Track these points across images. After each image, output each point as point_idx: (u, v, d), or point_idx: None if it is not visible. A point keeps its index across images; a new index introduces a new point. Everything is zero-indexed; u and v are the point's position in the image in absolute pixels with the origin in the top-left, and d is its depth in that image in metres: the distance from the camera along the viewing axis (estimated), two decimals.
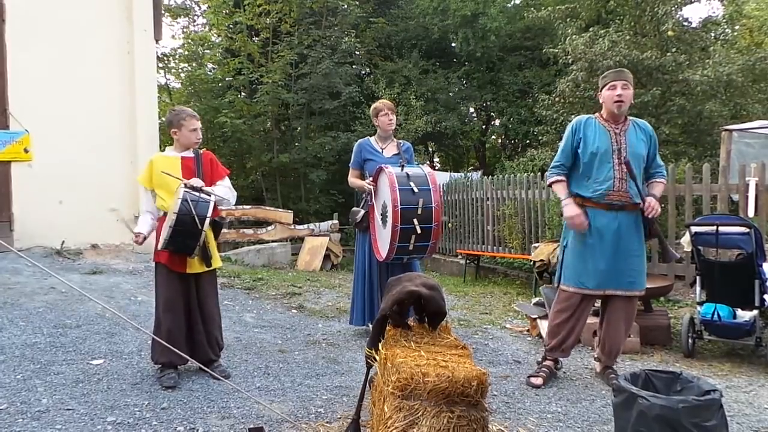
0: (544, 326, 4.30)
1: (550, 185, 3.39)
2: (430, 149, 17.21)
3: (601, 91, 3.26)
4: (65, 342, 3.83)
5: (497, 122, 16.53)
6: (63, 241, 6.52)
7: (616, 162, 3.15)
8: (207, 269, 3.33)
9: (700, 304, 3.89)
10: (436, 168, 17.07)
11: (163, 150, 3.58)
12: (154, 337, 3.13)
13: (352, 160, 4.38)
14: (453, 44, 15.36)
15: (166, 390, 3.09)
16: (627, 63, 9.28)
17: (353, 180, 4.36)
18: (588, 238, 3.17)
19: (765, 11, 15.48)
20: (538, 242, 6.50)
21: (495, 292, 6.54)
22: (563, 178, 3.27)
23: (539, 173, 7.24)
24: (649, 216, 3.14)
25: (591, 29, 10.33)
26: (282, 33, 11.86)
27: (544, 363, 3.43)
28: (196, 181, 3.18)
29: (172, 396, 3.02)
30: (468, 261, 7.73)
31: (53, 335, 3.95)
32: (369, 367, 2.58)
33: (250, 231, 8.83)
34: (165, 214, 3.22)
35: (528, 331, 4.58)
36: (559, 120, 10.90)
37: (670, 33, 10.25)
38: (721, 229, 3.77)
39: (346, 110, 12.53)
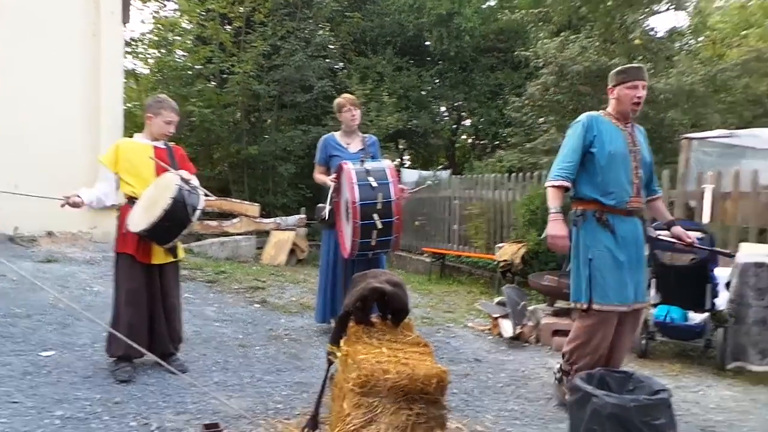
0: (505, 325, 4.37)
1: (549, 187, 2.90)
2: (401, 147, 17.24)
3: (614, 86, 2.90)
4: (14, 332, 3.69)
5: (468, 122, 16.68)
6: (16, 228, 6.27)
7: (633, 165, 2.86)
8: (171, 260, 3.27)
9: (655, 306, 4.00)
10: (406, 166, 17.11)
11: (130, 137, 3.50)
12: (112, 330, 3.04)
13: (317, 157, 4.35)
14: (427, 42, 15.39)
15: (119, 383, 3.01)
16: (596, 69, 9.48)
17: (318, 176, 4.34)
18: (617, 250, 2.80)
19: (728, 24, 16.05)
20: (502, 242, 6.59)
21: (459, 290, 6.60)
22: (568, 183, 2.84)
23: (507, 174, 7.34)
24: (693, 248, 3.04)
25: (562, 34, 10.51)
26: (255, 23, 11.66)
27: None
28: (185, 173, 3.18)
29: (125, 390, 2.94)
30: (433, 259, 7.78)
31: (2, 325, 3.80)
32: (330, 363, 2.56)
33: (214, 223, 8.67)
34: (130, 201, 3.14)
35: (489, 330, 4.63)
36: (527, 122, 11.08)
37: (637, 41, 10.50)
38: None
39: (317, 104, 12.41)
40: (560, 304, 4.57)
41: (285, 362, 3.58)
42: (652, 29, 11.53)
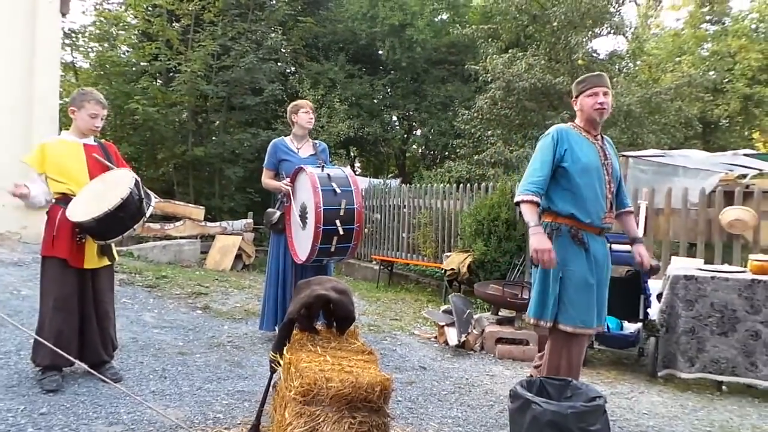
0: (451, 334, 4.42)
1: (518, 203, 2.78)
2: (352, 154, 17.24)
3: (576, 97, 2.85)
4: None
5: (418, 132, 16.89)
6: None
7: (606, 179, 2.77)
8: (106, 264, 3.12)
9: None
10: (356, 173, 17.13)
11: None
12: (37, 337, 2.86)
13: (266, 161, 4.27)
14: (380, 52, 15.52)
15: (47, 394, 2.84)
16: (541, 86, 9.85)
17: (268, 181, 4.25)
18: (590, 271, 2.70)
19: (663, 50, 17.04)
20: (450, 251, 6.69)
21: (407, 298, 6.63)
22: (539, 198, 2.72)
23: (455, 185, 7.46)
24: (648, 274, 2.98)
25: (510, 51, 10.86)
26: (204, 22, 11.40)
27: None
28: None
29: (53, 400, 2.77)
30: (382, 267, 7.79)
31: None
32: (273, 371, 2.51)
33: (156, 226, 8.36)
34: (61, 201, 2.98)
35: (435, 338, 4.67)
36: (476, 135, 11.34)
37: (580, 62, 10.99)
38: (614, 246, 4.05)
39: (268, 107, 12.24)
40: (504, 312, 4.67)
41: (227, 370, 3.48)
42: (594, 51, 12.12)
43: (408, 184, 9.13)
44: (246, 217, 9.42)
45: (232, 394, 3.07)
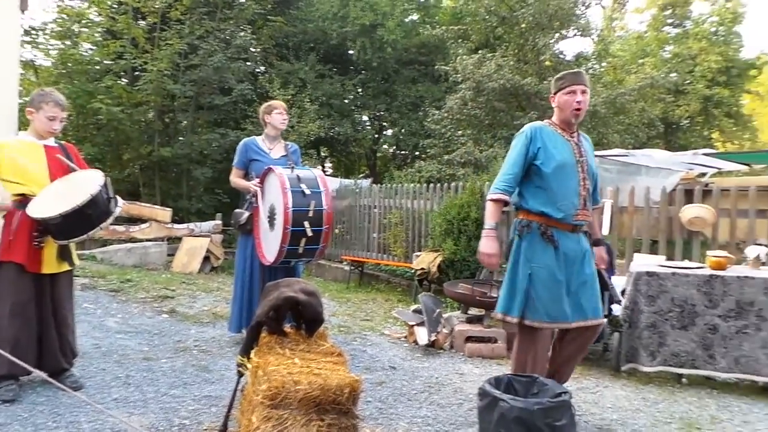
0: (420, 333, 4.44)
1: (488, 200, 2.84)
2: (323, 154, 17.17)
3: (555, 94, 2.84)
4: None
5: (389, 132, 16.93)
6: None
7: (581, 176, 2.78)
8: (65, 269, 3.03)
9: None
10: (327, 173, 17.07)
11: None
12: None
13: (236, 159, 4.22)
14: (351, 51, 15.49)
15: (3, 404, 2.74)
16: (510, 86, 9.98)
17: (237, 180, 4.20)
18: (558, 268, 2.73)
19: (627, 52, 17.48)
20: (420, 251, 6.72)
21: (377, 298, 6.64)
22: (507, 197, 2.77)
23: (426, 184, 7.50)
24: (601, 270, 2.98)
25: (480, 52, 10.98)
26: (171, 20, 11.18)
27: None
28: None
29: (10, 410, 2.68)
30: (352, 267, 7.78)
31: None
32: (240, 375, 2.48)
33: (121, 228, 8.17)
34: (20, 204, 2.88)
35: (406, 337, 4.69)
36: (446, 135, 11.42)
37: (547, 63, 11.19)
38: None
39: (237, 107, 12.08)
40: (474, 311, 4.71)
41: (193, 375, 3.42)
42: (561, 53, 12.34)
43: (379, 184, 9.13)
44: (214, 219, 9.28)
45: (198, 399, 3.01)
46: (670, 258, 4.68)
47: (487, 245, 2.73)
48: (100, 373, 3.34)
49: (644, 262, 4.24)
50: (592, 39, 13.61)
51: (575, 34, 11.71)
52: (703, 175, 11.22)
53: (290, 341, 2.50)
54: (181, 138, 11.81)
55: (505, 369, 3.94)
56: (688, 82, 17.18)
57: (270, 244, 3.72)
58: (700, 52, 17.54)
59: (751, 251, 3.74)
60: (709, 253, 3.76)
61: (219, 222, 9.05)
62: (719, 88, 17.36)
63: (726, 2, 19.66)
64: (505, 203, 2.82)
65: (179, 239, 8.44)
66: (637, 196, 5.44)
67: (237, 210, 4.26)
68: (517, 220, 2.85)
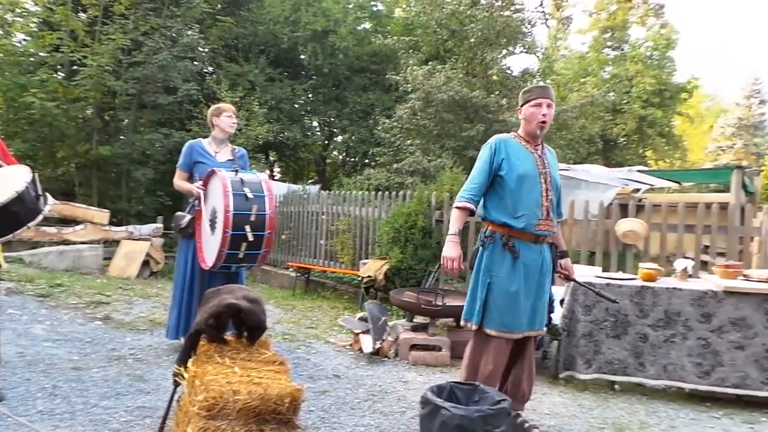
0: (365, 341, 4.43)
1: (454, 208, 2.90)
2: (271, 158, 16.93)
3: (521, 106, 2.92)
4: None
5: (339, 139, 16.90)
6: None
7: (543, 188, 2.85)
8: None
9: None
10: (276, 178, 16.84)
11: None
12: None
13: (180, 161, 4.09)
14: (302, 56, 15.40)
15: None
16: (458, 98, 10.19)
17: (180, 182, 4.08)
18: (516, 278, 2.79)
19: (570, 71, 18.23)
20: (367, 258, 6.71)
21: (323, 306, 6.57)
22: (473, 206, 2.84)
23: (374, 192, 7.51)
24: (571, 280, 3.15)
25: (430, 63, 11.17)
26: (114, 14, 10.74)
27: None
28: None
29: None
30: (299, 274, 7.68)
31: None
32: (176, 385, 2.39)
33: (52, 230, 7.73)
34: None
35: (351, 345, 4.66)
36: (396, 144, 11.52)
37: (495, 77, 11.51)
38: None
39: (182, 108, 11.74)
40: (419, 319, 4.74)
41: (127, 385, 3.27)
42: (508, 68, 12.73)
43: (327, 191, 9.08)
44: (155, 222, 8.94)
45: (131, 411, 2.88)
46: (605, 269, 4.88)
47: (450, 250, 2.80)
48: (24, 383, 3.13)
49: (582, 273, 4.39)
50: (538, 57, 14.14)
51: (521, 51, 12.14)
52: (638, 190, 11.83)
53: (231, 350, 2.44)
54: (122, 137, 11.34)
55: (448, 377, 3.99)
56: (625, 102, 18.12)
57: (210, 248, 3.62)
58: (637, 75, 18.55)
59: (679, 264, 3.95)
60: (641, 265, 3.94)
61: (160, 225, 8.73)
62: (653, 109, 18.39)
63: (660, 29, 20.91)
64: (471, 212, 2.87)
65: (117, 242, 8.07)
66: (577, 210, 5.65)
67: (178, 213, 4.13)
68: (482, 231, 2.93)
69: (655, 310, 3.62)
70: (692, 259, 4.87)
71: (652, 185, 12.05)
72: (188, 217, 4.00)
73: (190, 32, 11.55)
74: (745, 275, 3.72)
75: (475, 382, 2.80)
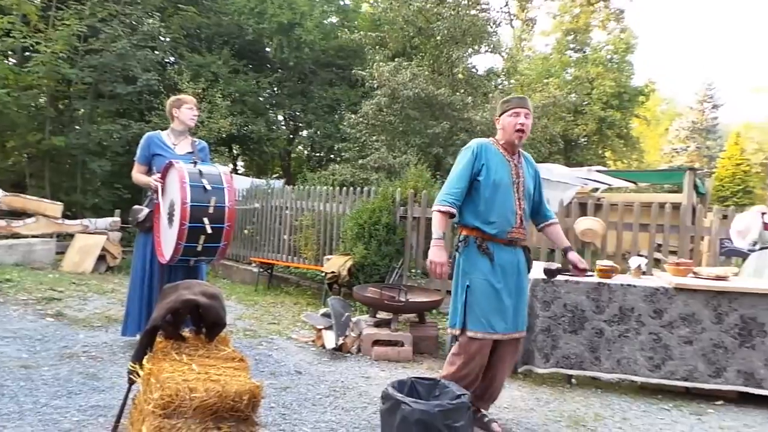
0: (328, 337, 4.41)
1: (435, 211, 2.86)
2: (235, 152, 16.65)
3: (500, 116, 2.95)
4: None
5: (304, 133, 16.76)
6: None
7: (516, 197, 2.88)
8: None
9: None
10: (239, 172, 16.57)
11: None
12: None
13: (138, 154, 3.99)
14: (267, 49, 15.19)
15: None
16: (424, 96, 10.24)
17: (138, 176, 3.98)
18: (495, 277, 2.80)
19: (533, 71, 18.55)
20: (331, 254, 6.69)
21: (286, 301, 6.51)
22: (454, 210, 2.82)
23: (339, 188, 7.48)
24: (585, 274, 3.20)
25: (397, 59, 11.17)
26: None
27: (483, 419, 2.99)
28: None
29: None
30: (262, 269, 7.59)
31: None
32: (131, 383, 2.32)
33: (1, 222, 7.40)
34: None
35: (313, 341, 4.64)
36: (361, 139, 11.50)
37: (460, 76, 11.61)
38: None
39: (142, 98, 11.41)
40: (382, 315, 4.75)
41: (80, 384, 3.16)
42: (474, 67, 12.86)
43: (292, 186, 8.99)
44: (113, 215, 8.68)
45: (84, 410, 2.78)
46: (564, 266, 4.99)
47: (436, 254, 2.76)
48: None
49: (539, 269, 4.48)
50: (502, 56, 14.32)
51: (487, 51, 12.26)
52: (596, 190, 12.16)
53: (189, 346, 2.39)
54: (77, 127, 10.95)
55: (411, 372, 4.01)
56: (586, 103, 18.59)
57: (168, 242, 3.53)
58: (597, 77, 19.04)
59: (633, 262, 4.07)
60: (598, 262, 4.05)
61: (117, 219, 8.47)
62: (612, 111, 18.93)
63: (620, 33, 21.52)
64: (451, 215, 2.85)
65: (71, 236, 7.80)
66: None
67: (135, 206, 4.03)
68: (457, 236, 2.94)
69: (610, 306, 3.73)
70: (646, 257, 5.03)
71: (610, 185, 12.42)
72: (146, 210, 3.90)
73: (150, 20, 11.22)
74: (694, 273, 3.87)
75: (455, 383, 2.79)
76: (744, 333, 3.55)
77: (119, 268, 7.81)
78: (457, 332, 2.84)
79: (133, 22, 11.07)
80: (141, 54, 10.83)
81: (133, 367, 2.25)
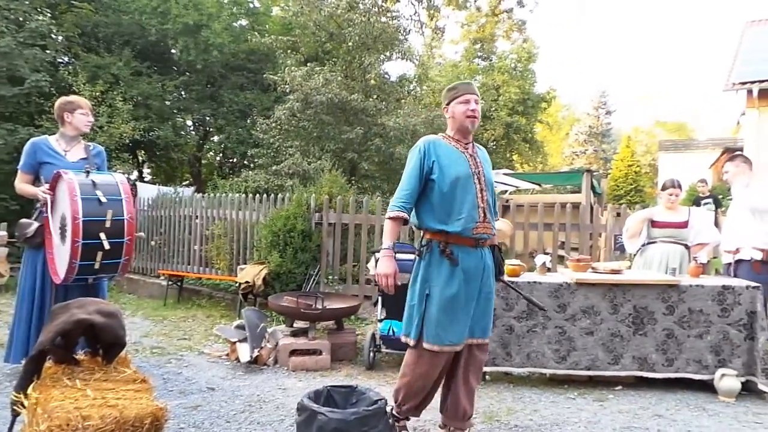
0: (242, 350, 4.25)
1: (386, 219, 2.72)
2: (140, 159, 15.74)
3: (448, 104, 2.81)
4: None
5: (215, 139, 16.18)
6: None
7: (478, 188, 2.69)
8: None
9: (381, 321, 4.39)
10: (145, 180, 15.68)
11: None
12: None
13: (22, 162, 3.64)
14: (173, 51, 14.51)
15: None
16: (338, 101, 10.22)
17: (23, 186, 3.63)
18: (456, 285, 2.63)
19: (444, 78, 19.12)
20: (245, 263, 6.48)
21: (198, 315, 6.23)
22: (405, 214, 2.67)
23: (252, 195, 7.27)
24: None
25: (309, 64, 11.07)
26: None
27: (401, 427, 2.85)
28: None
29: None
30: (171, 282, 7.20)
31: None
32: (15, 415, 2.10)
33: None
34: None
35: (227, 355, 4.46)
36: (275, 145, 11.27)
37: (372, 82, 11.71)
38: (398, 255, 4.34)
39: (31, 101, 10.48)
40: (299, 324, 4.66)
41: None
42: (386, 73, 13.02)
43: (202, 193, 8.63)
44: None
45: None
46: None
47: (385, 265, 2.63)
48: None
49: None
50: (414, 63, 14.62)
51: (398, 57, 12.45)
52: (505, 192, 12.73)
53: (83, 370, 2.20)
54: None
55: (329, 380, 3.96)
56: (493, 109, 19.42)
57: (62, 260, 3.25)
58: (503, 84, 19.98)
59: (539, 259, 4.29)
60: (507, 261, 4.22)
61: (4, 233, 7.70)
62: (518, 117, 19.93)
63: (523, 42, 22.75)
64: (405, 221, 2.72)
65: None
66: None
67: (23, 220, 3.68)
68: (419, 240, 2.80)
69: (519, 303, 3.89)
70: (550, 255, 5.32)
71: (517, 187, 13.06)
72: (35, 224, 3.58)
73: (40, 17, 10.35)
74: (593, 268, 4.14)
75: (412, 400, 2.75)
76: (637, 322, 3.84)
77: (6, 287, 7.10)
78: (412, 342, 2.70)
79: (20, 18, 10.16)
80: (29, 53, 9.96)
81: (17, 397, 2.03)
